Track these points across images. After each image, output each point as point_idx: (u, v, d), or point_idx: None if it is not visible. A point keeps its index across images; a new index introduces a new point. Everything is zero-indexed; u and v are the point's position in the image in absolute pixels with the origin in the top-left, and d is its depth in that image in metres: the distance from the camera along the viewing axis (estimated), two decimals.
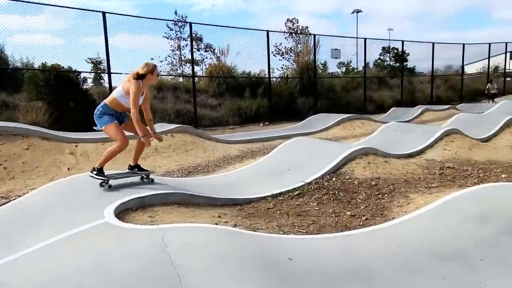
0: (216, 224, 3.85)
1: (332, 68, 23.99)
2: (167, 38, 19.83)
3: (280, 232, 3.92)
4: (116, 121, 4.40)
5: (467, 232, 3.45)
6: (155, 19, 13.69)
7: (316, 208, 4.82)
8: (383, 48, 32.69)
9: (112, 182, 4.45)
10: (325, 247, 3.37)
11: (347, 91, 19.31)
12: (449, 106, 16.85)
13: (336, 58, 17.53)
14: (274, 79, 17.28)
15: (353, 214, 4.55)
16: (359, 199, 5.14)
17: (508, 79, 28.35)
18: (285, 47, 23.16)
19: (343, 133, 11.88)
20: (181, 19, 22.92)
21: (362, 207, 4.82)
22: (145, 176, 4.87)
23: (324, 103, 17.51)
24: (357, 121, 12.86)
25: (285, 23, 27.40)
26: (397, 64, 27.05)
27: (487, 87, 20.97)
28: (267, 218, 4.41)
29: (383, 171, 6.31)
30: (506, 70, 27.56)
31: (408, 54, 28.48)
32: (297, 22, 27.35)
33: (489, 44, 24.10)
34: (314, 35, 17.11)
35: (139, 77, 4.26)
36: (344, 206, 4.88)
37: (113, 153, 4.44)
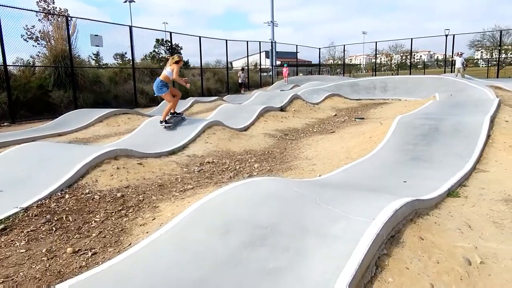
0: None
1: (108, 59, 21.57)
2: None
3: None
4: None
5: (209, 251, 2.77)
6: None
7: (22, 251, 3.29)
8: (157, 40, 32.18)
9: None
10: None
11: (116, 83, 17.53)
12: (216, 97, 17.69)
13: (98, 45, 15.45)
14: (13, 67, 13.71)
15: (76, 249, 3.27)
16: (95, 221, 3.91)
17: (264, 74, 33.04)
18: (40, 30, 19.14)
19: (105, 131, 10.30)
20: None
21: (94, 234, 3.60)
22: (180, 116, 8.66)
23: (89, 97, 15.25)
24: (123, 116, 11.49)
25: (37, 2, 22.76)
26: None
27: (238, 74, 23.08)
28: None
29: (135, 176, 5.29)
30: (262, 66, 31.97)
31: (181, 48, 28.86)
32: (53, 3, 23.20)
33: (247, 42, 27.12)
34: (67, 17, 14.47)
35: (176, 62, 7.83)
36: (68, 238, 3.53)
37: (169, 108, 8.22)
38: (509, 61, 31.89)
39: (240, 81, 22.07)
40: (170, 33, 20.29)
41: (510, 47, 29.04)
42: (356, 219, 2.77)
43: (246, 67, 25.27)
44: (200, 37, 21.32)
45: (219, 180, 5.38)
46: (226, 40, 23.88)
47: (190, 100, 16.06)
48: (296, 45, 31.36)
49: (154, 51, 31.85)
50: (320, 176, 5.22)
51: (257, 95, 15.27)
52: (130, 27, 16.93)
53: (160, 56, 30.57)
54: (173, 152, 6.93)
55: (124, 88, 17.58)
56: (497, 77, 23.61)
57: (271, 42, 29.21)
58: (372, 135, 7.27)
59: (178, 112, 8.78)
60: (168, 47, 29.18)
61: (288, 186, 3.77)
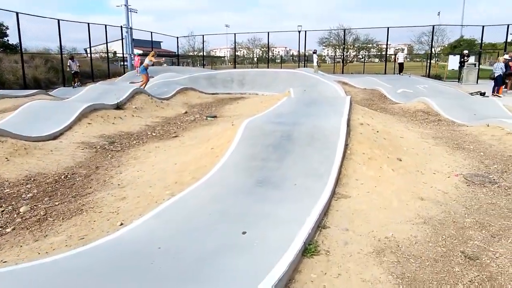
0: None
1: None
2: None
3: None
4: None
5: None
6: None
7: None
8: None
9: None
10: None
11: None
12: (37, 91, 13.85)
13: None
14: None
15: None
16: None
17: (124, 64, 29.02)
18: None
19: None
20: None
21: None
22: None
23: None
24: None
25: None
26: None
27: (68, 64, 18.80)
28: None
29: None
30: (119, 55, 28.02)
31: (7, 28, 22.75)
32: None
33: (105, 25, 23.16)
34: None
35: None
36: None
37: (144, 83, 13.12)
38: (350, 60, 35.33)
39: (72, 71, 18.01)
40: None
41: (351, 46, 32.16)
42: None
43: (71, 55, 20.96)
44: (17, 13, 16.70)
45: None
46: (58, 20, 19.55)
47: None
48: (151, 32, 28.34)
49: None
50: (121, 225, 3.25)
51: (88, 89, 12.27)
52: None
53: None
54: None
55: None
56: (342, 73, 25.46)
57: (122, 28, 25.52)
58: (215, 145, 5.62)
59: None
60: None
61: None
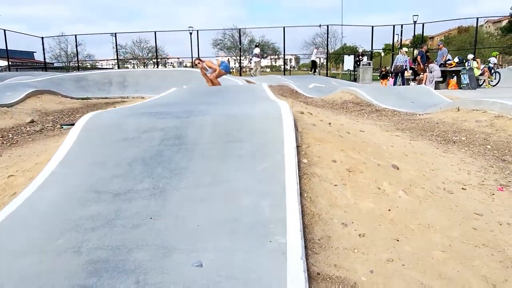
0: None
1: None
2: None
3: None
4: None
5: None
6: None
7: None
8: None
9: None
10: None
11: None
12: None
13: None
14: None
15: None
16: None
17: None
18: None
19: None
20: None
21: None
22: None
23: None
24: None
25: None
26: None
27: None
28: None
29: None
30: None
31: None
32: None
33: None
34: None
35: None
36: None
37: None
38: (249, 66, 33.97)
39: None
40: None
41: (247, 48, 30.66)
42: None
43: None
44: None
45: None
46: None
47: None
48: (4, 30, 22.53)
49: None
50: None
51: None
52: None
53: None
54: None
55: None
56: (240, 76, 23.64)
57: None
58: (29, 167, 2.61)
59: None
60: None
61: None
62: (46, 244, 1.57)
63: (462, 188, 2.46)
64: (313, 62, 21.98)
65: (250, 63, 20.25)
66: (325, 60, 26.00)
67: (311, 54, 21.22)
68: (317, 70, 22.24)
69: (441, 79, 12.89)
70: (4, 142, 5.73)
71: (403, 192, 2.15)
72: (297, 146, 2.46)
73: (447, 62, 13.32)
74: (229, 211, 1.76)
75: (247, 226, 1.64)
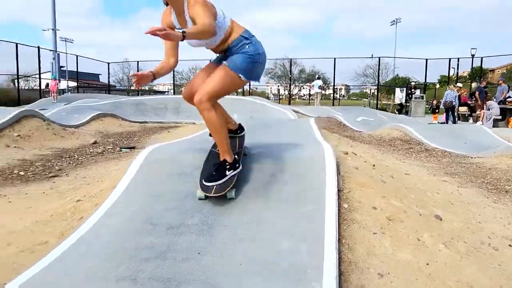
0: None
1: None
2: None
3: None
4: None
5: None
6: None
7: None
8: None
9: None
10: None
11: None
12: None
13: None
14: None
15: None
16: None
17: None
18: None
19: None
20: None
21: None
22: None
23: None
24: None
25: None
26: None
27: None
28: None
29: None
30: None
31: None
32: None
33: (38, 47, 19.66)
34: None
35: None
36: None
37: None
38: (296, 93, 34.35)
39: None
40: None
41: (297, 78, 31.16)
42: None
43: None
44: None
45: None
46: None
47: None
48: (77, 56, 24.95)
49: None
50: None
51: None
52: None
53: None
54: None
55: None
56: (289, 104, 23.96)
57: (39, 48, 21.97)
58: (93, 193, 2.95)
59: None
60: None
61: None
62: (108, 271, 1.79)
63: (509, 245, 2.40)
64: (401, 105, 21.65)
65: (310, 91, 20.54)
66: (376, 91, 25.68)
67: (319, 86, 20.58)
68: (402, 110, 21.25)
69: (500, 117, 12.25)
70: (71, 162, 6.33)
71: (444, 246, 2.16)
72: (339, 191, 2.56)
73: (507, 100, 12.68)
74: (269, 253, 1.89)
75: (285, 269, 1.77)
